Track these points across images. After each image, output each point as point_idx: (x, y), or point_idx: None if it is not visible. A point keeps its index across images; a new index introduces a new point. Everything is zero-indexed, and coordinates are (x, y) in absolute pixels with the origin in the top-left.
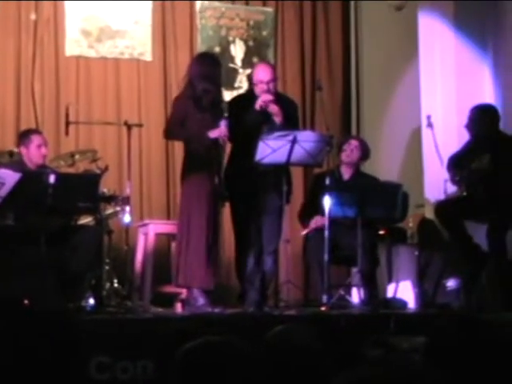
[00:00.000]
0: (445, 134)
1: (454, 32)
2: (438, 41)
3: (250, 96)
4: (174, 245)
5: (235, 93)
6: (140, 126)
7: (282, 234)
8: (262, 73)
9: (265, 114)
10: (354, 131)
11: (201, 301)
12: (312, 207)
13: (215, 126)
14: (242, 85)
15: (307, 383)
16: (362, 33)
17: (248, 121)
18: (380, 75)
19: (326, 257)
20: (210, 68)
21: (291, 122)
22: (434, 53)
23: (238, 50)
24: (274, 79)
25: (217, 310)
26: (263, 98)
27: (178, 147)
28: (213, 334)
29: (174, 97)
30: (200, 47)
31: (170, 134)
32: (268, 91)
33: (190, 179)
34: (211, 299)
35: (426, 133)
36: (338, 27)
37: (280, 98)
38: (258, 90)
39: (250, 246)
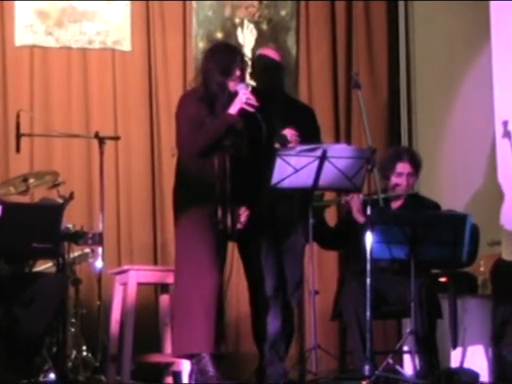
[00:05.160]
0: None
1: None
2: None
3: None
4: (162, 298)
5: None
6: (116, 138)
7: (305, 280)
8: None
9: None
10: (404, 144)
11: (211, 371)
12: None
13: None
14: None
15: None
16: (413, 14)
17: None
18: (439, 68)
19: (368, 313)
20: (226, 58)
21: (310, 136)
22: (510, 39)
23: (247, 36)
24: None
25: None
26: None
27: (169, 167)
28: None
29: (162, 99)
30: (196, 32)
31: (196, 145)
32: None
33: (187, 212)
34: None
35: (501, 144)
36: (383, 5)
37: (291, 104)
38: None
39: (270, 299)
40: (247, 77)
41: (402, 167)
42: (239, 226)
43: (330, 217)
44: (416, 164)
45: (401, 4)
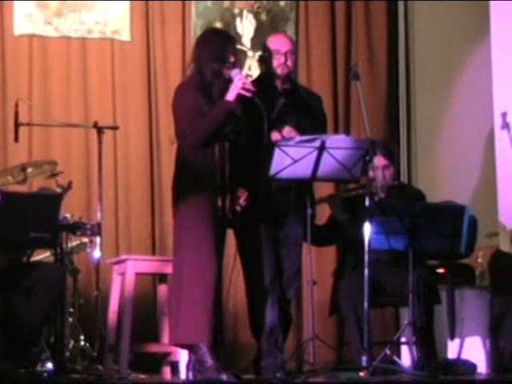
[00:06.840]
0: None
1: None
2: None
3: (266, 80)
4: (160, 288)
5: None
6: (115, 128)
7: (304, 272)
8: (278, 42)
9: (291, 103)
10: (403, 136)
11: (209, 362)
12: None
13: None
14: (252, 72)
15: None
16: (413, 7)
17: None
18: (438, 60)
19: (365, 304)
20: (221, 46)
21: (313, 124)
22: (510, 32)
23: (246, 27)
24: (293, 52)
25: (224, 377)
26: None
27: (167, 157)
28: None
29: (161, 89)
30: (195, 23)
31: (198, 135)
32: (285, 64)
33: (187, 202)
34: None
35: (500, 136)
36: (383, 4)
37: (297, 91)
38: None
39: (267, 290)
40: (248, 63)
41: (376, 161)
42: (238, 208)
43: (322, 214)
44: (389, 155)
45: (400, 4)
